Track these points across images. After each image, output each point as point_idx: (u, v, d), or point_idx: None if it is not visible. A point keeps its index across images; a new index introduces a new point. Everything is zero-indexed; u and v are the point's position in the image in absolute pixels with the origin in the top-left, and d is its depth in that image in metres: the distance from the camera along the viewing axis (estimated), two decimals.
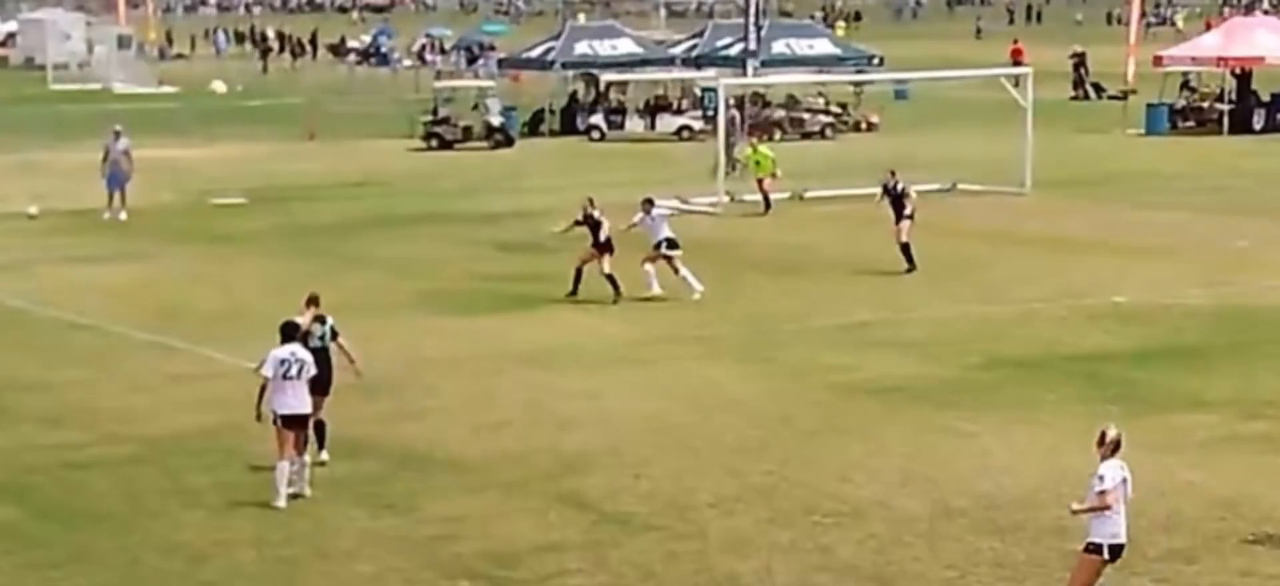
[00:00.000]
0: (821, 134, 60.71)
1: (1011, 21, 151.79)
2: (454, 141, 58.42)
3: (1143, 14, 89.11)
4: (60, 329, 28.93)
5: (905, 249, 33.11)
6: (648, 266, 30.81)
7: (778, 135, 59.64)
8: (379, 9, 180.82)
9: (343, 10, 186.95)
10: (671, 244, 31.07)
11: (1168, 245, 36.72)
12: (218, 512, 19.04)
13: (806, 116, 61.94)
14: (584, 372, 25.54)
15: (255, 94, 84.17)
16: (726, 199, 41.93)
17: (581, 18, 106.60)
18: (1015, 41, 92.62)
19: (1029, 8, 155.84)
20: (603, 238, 30.62)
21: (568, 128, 63.27)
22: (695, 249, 36.09)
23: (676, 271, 30.88)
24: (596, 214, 30.83)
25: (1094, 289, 31.68)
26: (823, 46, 67.54)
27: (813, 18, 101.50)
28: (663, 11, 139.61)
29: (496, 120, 59.57)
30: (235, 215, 42.90)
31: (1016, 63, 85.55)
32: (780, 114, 61.67)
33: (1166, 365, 25.69)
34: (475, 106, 60.91)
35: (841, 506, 19.00)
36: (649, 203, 31.42)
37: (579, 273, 30.84)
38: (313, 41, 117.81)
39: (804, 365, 25.89)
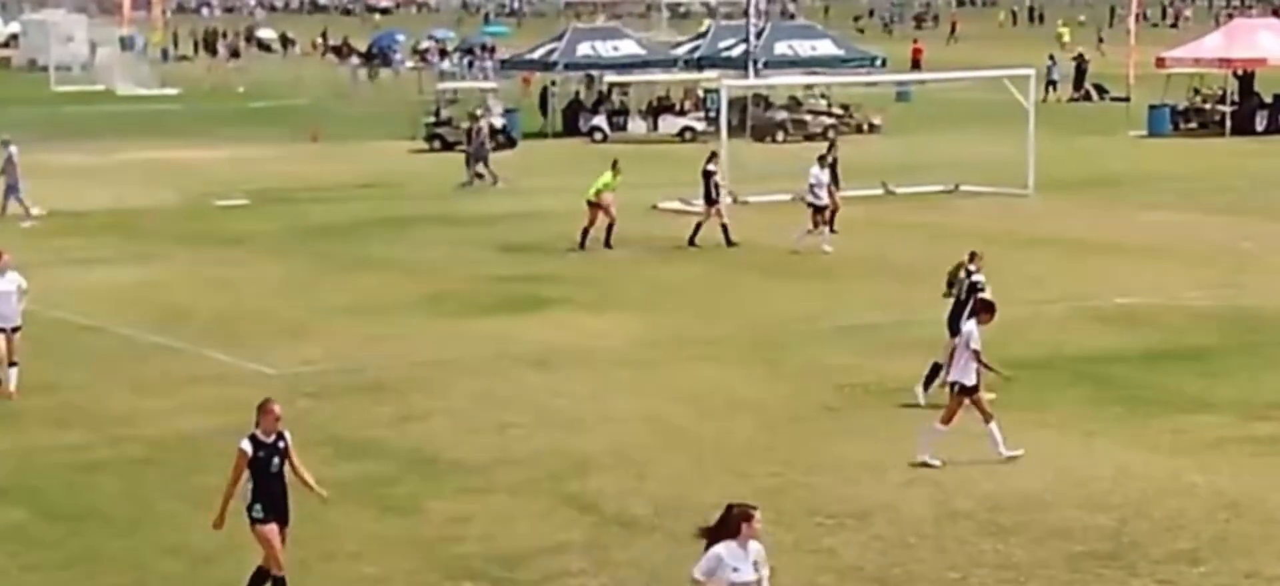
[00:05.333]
0: (824, 135, 60.64)
1: (1015, 23, 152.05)
2: (456, 143, 58.41)
3: (1141, 15, 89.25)
4: (65, 331, 28.94)
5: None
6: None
7: (780, 136, 59.79)
8: (382, 11, 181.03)
9: (346, 12, 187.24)
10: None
11: (1172, 246, 36.74)
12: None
13: (809, 118, 61.98)
14: (588, 374, 25.56)
15: (258, 95, 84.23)
16: (728, 201, 41.91)
17: (577, 20, 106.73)
18: (915, 42, 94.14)
19: (1031, 10, 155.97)
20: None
21: (570, 129, 63.38)
22: (698, 250, 36.17)
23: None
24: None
25: (1098, 290, 31.70)
26: (825, 48, 67.60)
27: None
28: (665, 13, 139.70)
29: (499, 122, 59.63)
30: (239, 217, 42.94)
31: (915, 63, 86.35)
32: (783, 116, 61.71)
33: (1171, 366, 25.69)
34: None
35: (846, 508, 19.01)
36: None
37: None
38: (323, 40, 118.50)
39: (809, 366, 25.90)
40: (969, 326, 20.63)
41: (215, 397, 24.29)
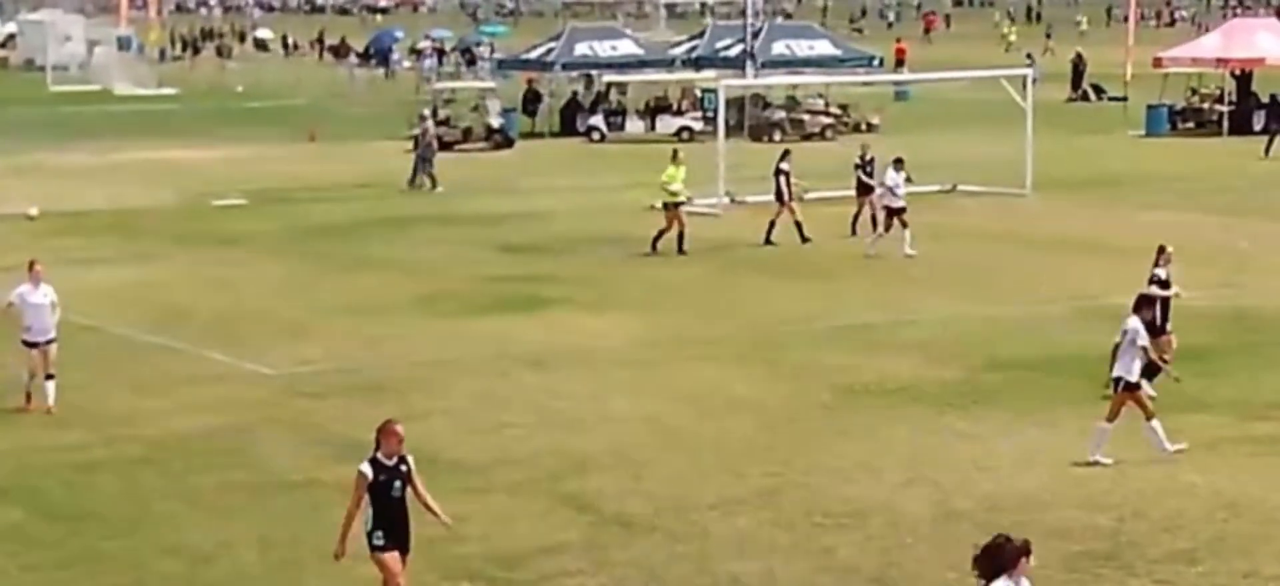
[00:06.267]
0: (822, 135, 60.73)
1: (1011, 22, 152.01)
2: (454, 143, 58.42)
3: (1156, 16, 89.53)
4: (64, 331, 28.64)
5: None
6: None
7: (778, 136, 59.76)
8: (381, 11, 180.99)
9: (344, 11, 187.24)
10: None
11: (1170, 247, 36.66)
12: (222, 514, 19.08)
13: (806, 117, 61.98)
14: (587, 374, 25.57)
15: (255, 95, 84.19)
16: (726, 200, 41.94)
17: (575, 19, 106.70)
18: (898, 41, 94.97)
19: (1029, 9, 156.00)
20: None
21: (567, 128, 63.39)
22: (697, 250, 36.17)
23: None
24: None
25: (1096, 290, 31.66)
26: (822, 48, 67.61)
27: None
28: (662, 12, 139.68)
29: (496, 122, 59.65)
30: (236, 217, 42.93)
31: (899, 62, 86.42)
32: (780, 115, 61.72)
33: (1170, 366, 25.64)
34: (475, 108, 60.98)
35: (844, 507, 19.02)
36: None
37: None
38: (319, 41, 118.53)
39: (806, 366, 25.91)
40: (1134, 322, 20.78)
41: (214, 397, 24.31)
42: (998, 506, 18.93)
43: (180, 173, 51.52)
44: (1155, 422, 20.57)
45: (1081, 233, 38.77)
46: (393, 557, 15.14)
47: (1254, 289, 31.83)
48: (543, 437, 21.99)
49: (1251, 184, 47.41)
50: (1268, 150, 54.00)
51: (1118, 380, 20.64)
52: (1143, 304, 21.39)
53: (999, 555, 12.13)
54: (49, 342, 23.51)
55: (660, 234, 36.26)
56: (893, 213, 35.81)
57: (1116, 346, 20.69)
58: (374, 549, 15.16)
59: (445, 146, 57.92)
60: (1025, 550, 12.15)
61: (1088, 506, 18.89)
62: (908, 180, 36.72)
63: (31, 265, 23.92)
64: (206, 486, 20.15)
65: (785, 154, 38.84)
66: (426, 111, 51.81)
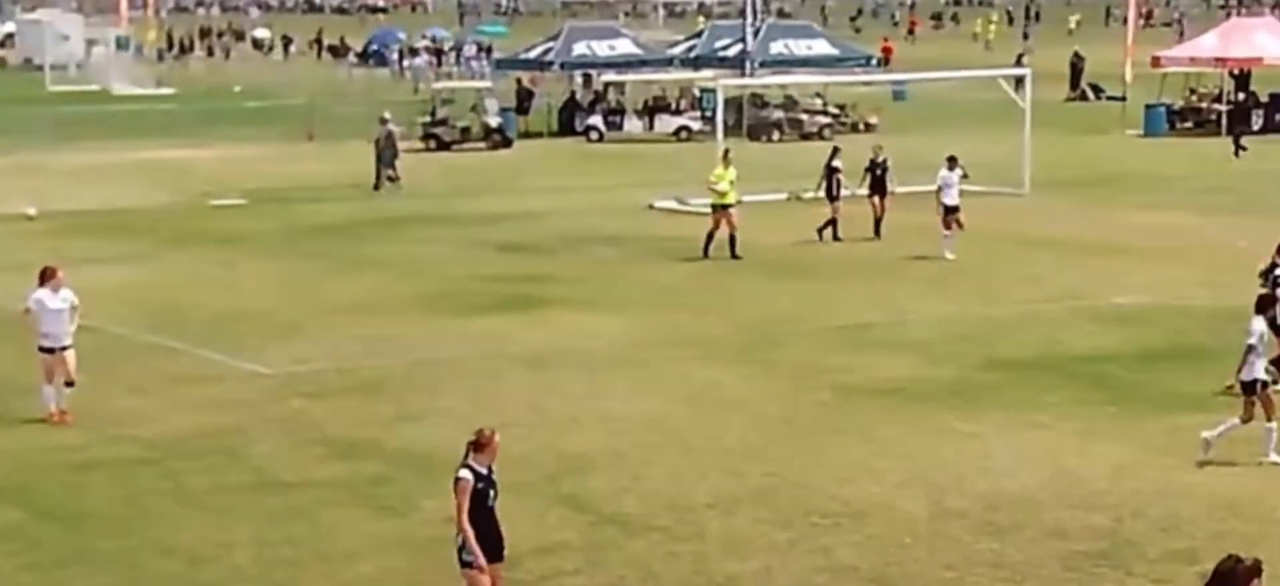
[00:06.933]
0: (820, 134, 60.73)
1: (1011, 22, 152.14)
2: (452, 142, 58.51)
3: (1143, 15, 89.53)
4: None
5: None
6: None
7: (776, 136, 59.82)
8: (380, 10, 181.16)
9: (342, 11, 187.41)
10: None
11: (1168, 246, 36.75)
12: (218, 514, 19.05)
13: (805, 117, 62.01)
14: (584, 374, 25.55)
15: (253, 94, 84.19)
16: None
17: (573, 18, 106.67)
18: (885, 39, 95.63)
19: (1027, 9, 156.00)
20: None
21: (566, 128, 63.41)
22: (694, 249, 36.15)
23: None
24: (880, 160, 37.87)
25: (1094, 290, 31.72)
26: (821, 47, 67.64)
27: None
28: (661, 12, 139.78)
29: (494, 121, 59.67)
30: (234, 216, 42.94)
31: (885, 61, 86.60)
32: (779, 115, 61.73)
33: (1167, 366, 25.68)
34: (473, 107, 60.99)
35: (841, 507, 19.01)
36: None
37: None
38: (317, 41, 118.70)
39: (804, 366, 25.90)
40: (1259, 324, 20.73)
41: (211, 397, 24.29)
42: (995, 506, 18.92)
43: (178, 172, 51.54)
44: (1220, 426, 20.59)
45: (1080, 232, 38.77)
46: (484, 575, 14.48)
47: (1251, 288, 31.71)
48: (540, 437, 21.97)
49: (1249, 183, 47.39)
50: (1237, 151, 53.99)
51: (1250, 383, 20.52)
52: (1266, 304, 21.40)
53: (1230, 579, 10.97)
54: (64, 349, 23.30)
55: (710, 236, 35.71)
56: (949, 211, 35.60)
57: (1251, 348, 20.56)
58: (464, 564, 14.49)
59: (443, 146, 58.12)
60: (1256, 570, 10.95)
61: (1085, 506, 18.88)
62: (964, 177, 36.59)
63: (51, 271, 23.61)
64: (203, 486, 20.13)
65: (835, 152, 38.89)
66: (387, 113, 51.50)
